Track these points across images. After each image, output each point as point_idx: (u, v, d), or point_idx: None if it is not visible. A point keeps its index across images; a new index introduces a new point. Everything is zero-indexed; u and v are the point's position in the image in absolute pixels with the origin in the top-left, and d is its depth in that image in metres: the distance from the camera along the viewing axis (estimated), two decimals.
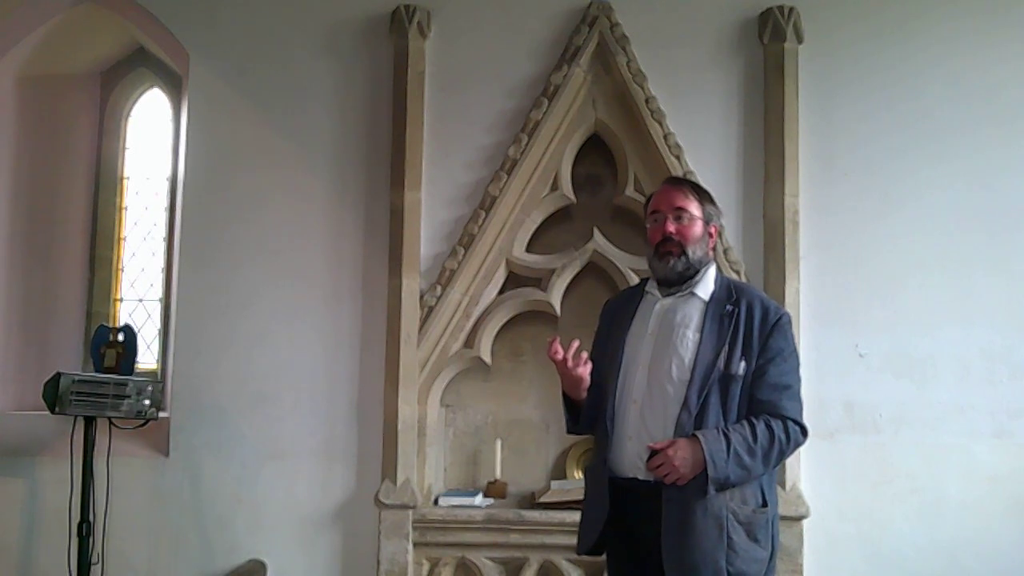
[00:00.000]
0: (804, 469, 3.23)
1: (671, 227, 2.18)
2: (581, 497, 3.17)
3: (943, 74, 3.43)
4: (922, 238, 3.38)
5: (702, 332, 2.13)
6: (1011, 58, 3.43)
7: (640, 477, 2.09)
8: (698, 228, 2.20)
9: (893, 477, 3.31)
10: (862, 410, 3.33)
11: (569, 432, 2.34)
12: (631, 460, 2.11)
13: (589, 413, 2.22)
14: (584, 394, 2.19)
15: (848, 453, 3.30)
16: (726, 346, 2.10)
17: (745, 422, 2.07)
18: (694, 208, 2.21)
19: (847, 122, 3.42)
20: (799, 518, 3.17)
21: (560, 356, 2.12)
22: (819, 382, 3.18)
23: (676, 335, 2.14)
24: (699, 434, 2.02)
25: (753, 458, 2.03)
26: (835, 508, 3.26)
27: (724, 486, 2.02)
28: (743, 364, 2.09)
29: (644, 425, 2.10)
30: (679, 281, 2.21)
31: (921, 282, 3.36)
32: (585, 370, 2.14)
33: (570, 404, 2.25)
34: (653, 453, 2.04)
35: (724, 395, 2.08)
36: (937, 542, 3.27)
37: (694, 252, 2.18)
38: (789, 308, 3.14)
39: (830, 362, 3.25)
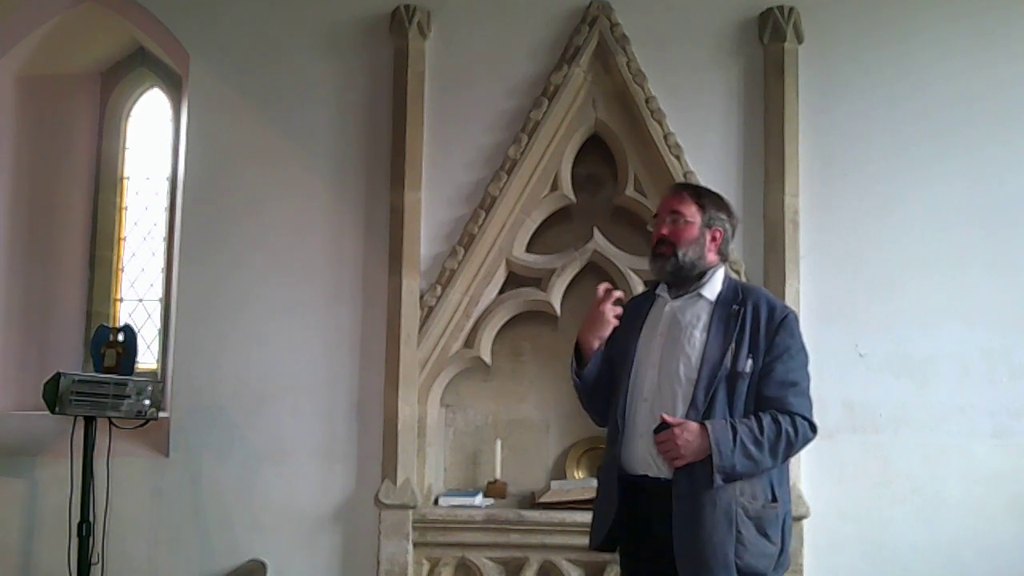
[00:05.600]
0: (804, 469, 3.22)
1: (664, 229, 2.25)
2: (581, 497, 3.24)
3: (943, 73, 3.43)
4: (922, 238, 3.37)
5: (709, 332, 2.17)
6: (1011, 58, 3.43)
7: (650, 474, 2.13)
8: (693, 231, 2.24)
9: (893, 477, 3.31)
10: (862, 410, 3.33)
11: (574, 383, 2.32)
12: (642, 457, 2.15)
13: (594, 370, 2.26)
14: (597, 343, 2.24)
15: (848, 453, 3.30)
16: (732, 344, 2.14)
17: (752, 416, 2.11)
18: (690, 211, 2.25)
19: (847, 121, 3.42)
20: (799, 518, 3.17)
21: (607, 296, 2.22)
22: (819, 382, 3.08)
23: (684, 335, 2.19)
24: (707, 423, 2.06)
25: (760, 450, 2.06)
26: (835, 508, 3.26)
27: (731, 476, 2.05)
28: (750, 362, 2.13)
29: (654, 423, 2.12)
30: (680, 282, 2.26)
31: (921, 282, 3.36)
32: (612, 313, 2.21)
33: (579, 354, 2.29)
34: (663, 427, 2.07)
35: (731, 393, 2.12)
36: (937, 542, 3.27)
37: (685, 254, 2.22)
38: None
39: (830, 362, 3.24)
